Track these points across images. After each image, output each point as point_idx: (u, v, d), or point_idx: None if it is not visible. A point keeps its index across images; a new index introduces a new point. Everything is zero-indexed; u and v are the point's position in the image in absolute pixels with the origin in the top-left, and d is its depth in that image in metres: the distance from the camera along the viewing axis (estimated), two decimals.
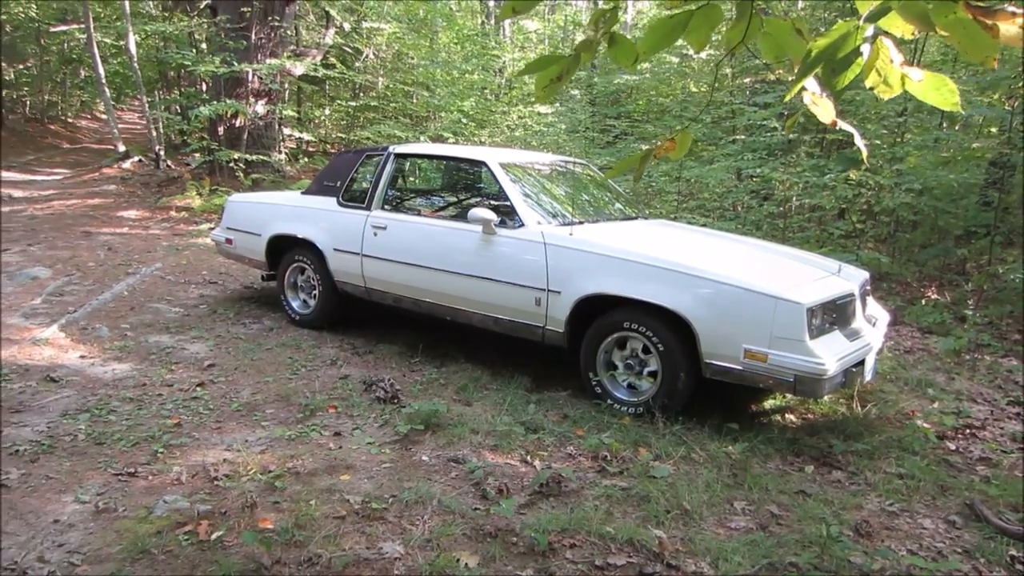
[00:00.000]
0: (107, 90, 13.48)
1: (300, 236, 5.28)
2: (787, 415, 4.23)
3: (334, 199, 5.20)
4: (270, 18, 10.72)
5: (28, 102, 21.42)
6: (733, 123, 9.89)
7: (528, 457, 3.48)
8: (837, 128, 1.22)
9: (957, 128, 8.76)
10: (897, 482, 3.47)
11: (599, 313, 4.05)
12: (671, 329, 3.80)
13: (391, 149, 5.06)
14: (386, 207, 4.98)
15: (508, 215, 4.38)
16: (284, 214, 5.49)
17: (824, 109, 1.14)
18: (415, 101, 12.72)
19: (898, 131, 7.82)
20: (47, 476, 3.19)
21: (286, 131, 12.26)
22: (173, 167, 12.53)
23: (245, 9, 10.35)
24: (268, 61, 10.42)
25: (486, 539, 2.77)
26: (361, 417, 3.91)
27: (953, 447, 3.98)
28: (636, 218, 5.00)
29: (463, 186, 5.32)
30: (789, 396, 4.36)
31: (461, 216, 4.73)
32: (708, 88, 13.34)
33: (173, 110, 13.41)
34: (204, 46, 13.42)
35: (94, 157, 15.88)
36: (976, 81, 7.22)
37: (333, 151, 14.12)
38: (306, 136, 13.03)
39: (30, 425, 3.70)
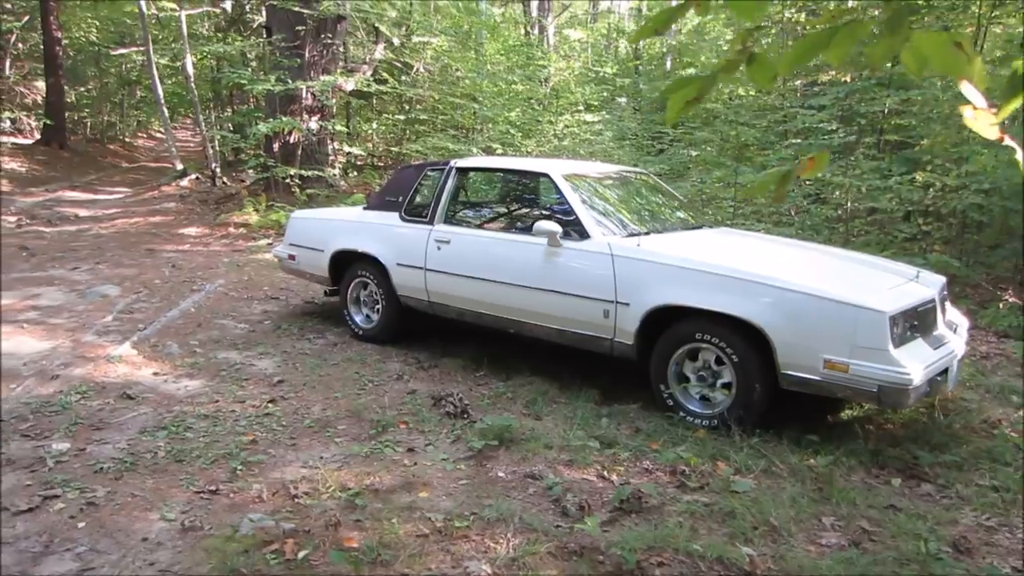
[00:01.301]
0: (165, 110, 13.85)
1: (363, 251, 5.32)
2: (866, 425, 4.11)
3: (396, 214, 5.24)
4: (323, 36, 10.91)
5: (88, 123, 22.15)
6: (786, 127, 9.72)
7: (605, 472, 3.44)
8: (1002, 142, 1.16)
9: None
10: (992, 495, 3.34)
11: (669, 324, 3.99)
12: (746, 340, 3.72)
13: (452, 163, 5.08)
14: (449, 221, 5.00)
15: (573, 227, 4.35)
16: (347, 229, 5.55)
17: (986, 123, 1.08)
18: (462, 113, 12.79)
19: (961, 131, 7.59)
20: (132, 493, 3.25)
21: (336, 146, 12.43)
22: (228, 184, 12.81)
23: (300, 28, 10.54)
24: (322, 78, 10.61)
25: (571, 557, 2.74)
26: (432, 433, 3.91)
27: None
28: (701, 227, 4.93)
29: (525, 199, 5.31)
30: (867, 406, 4.24)
31: (524, 229, 4.71)
32: (758, 92, 13.16)
33: (228, 128, 13.70)
34: (254, 64, 13.74)
35: (152, 175, 16.34)
36: None
37: (381, 165, 14.29)
38: (355, 150, 13.20)
39: (111, 442, 3.77)
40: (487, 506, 3.08)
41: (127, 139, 23.66)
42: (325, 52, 11.12)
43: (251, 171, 13.66)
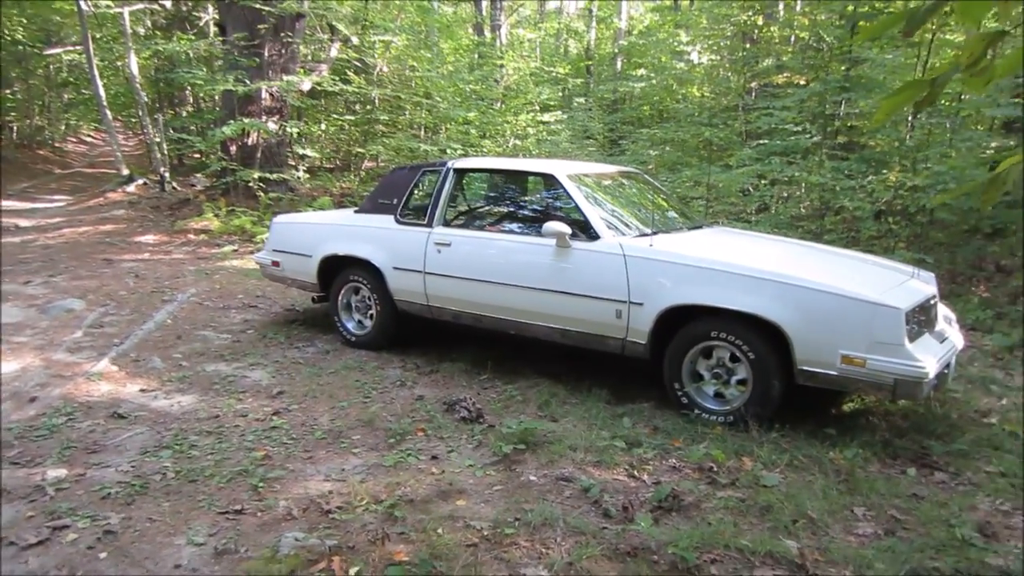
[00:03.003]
0: (108, 112, 13.32)
1: (357, 256, 5.22)
2: (869, 417, 4.23)
3: (391, 217, 5.16)
4: (282, 34, 10.64)
5: (16, 128, 21.11)
6: (749, 127, 9.94)
7: (635, 472, 3.45)
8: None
9: (980, 129, 8.87)
10: (1000, 481, 3.48)
11: (681, 323, 4.03)
12: (761, 337, 3.79)
13: (450, 164, 5.03)
14: (448, 223, 4.94)
15: (581, 228, 4.35)
16: (337, 234, 5.43)
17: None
18: (423, 113, 12.67)
19: (929, 133, 7.89)
20: (149, 519, 3.10)
21: (293, 149, 12.15)
22: (179, 189, 12.39)
23: (262, 26, 10.26)
24: (286, 78, 10.35)
25: (626, 559, 2.74)
26: (452, 439, 3.86)
27: None
28: (700, 226, 5.00)
29: (528, 200, 5.29)
30: (867, 399, 4.37)
31: (529, 230, 4.70)
32: (711, 94, 13.44)
33: (180, 130, 13.25)
34: (201, 65, 13.32)
35: (91, 182, 15.69)
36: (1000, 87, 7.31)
37: (331, 168, 14.00)
38: (310, 152, 12.94)
39: (112, 466, 3.59)
40: (529, 511, 3.06)
41: (57, 144, 22.64)
42: (284, 51, 10.85)
43: (201, 175, 13.30)
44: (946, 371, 3.79)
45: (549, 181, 4.81)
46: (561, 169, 4.66)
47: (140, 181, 12.93)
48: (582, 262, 4.27)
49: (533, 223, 4.80)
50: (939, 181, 6.76)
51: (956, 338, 4.15)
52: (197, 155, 15.11)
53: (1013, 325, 6.05)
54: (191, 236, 9.80)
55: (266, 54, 10.50)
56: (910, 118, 8.49)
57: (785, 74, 11.06)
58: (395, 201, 5.19)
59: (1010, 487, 3.42)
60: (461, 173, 5.06)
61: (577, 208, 4.41)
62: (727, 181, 8.32)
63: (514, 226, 4.90)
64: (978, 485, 3.44)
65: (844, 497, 3.24)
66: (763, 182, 8.79)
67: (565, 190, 4.50)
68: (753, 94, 11.63)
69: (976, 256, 7.40)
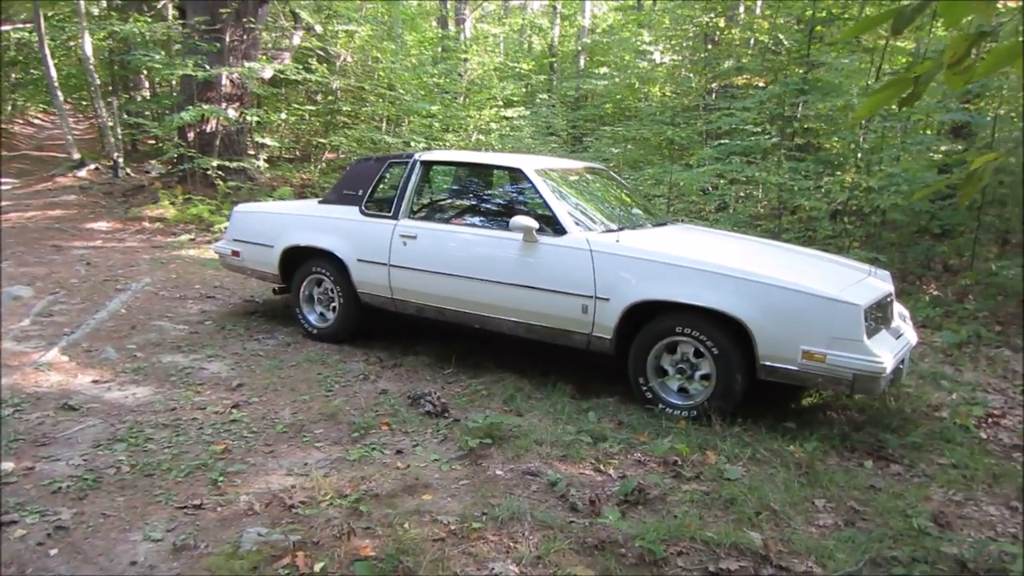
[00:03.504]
0: (60, 94, 12.88)
1: (320, 247, 5.14)
2: (827, 411, 4.32)
3: (356, 208, 5.08)
4: (244, 19, 10.40)
5: None
6: (709, 127, 10.03)
7: (601, 466, 3.47)
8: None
9: (929, 133, 9.10)
10: (952, 472, 3.59)
11: (648, 319, 4.06)
12: (725, 333, 3.83)
13: (416, 156, 4.98)
14: (414, 216, 4.89)
15: (548, 222, 4.35)
16: (300, 224, 5.34)
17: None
18: (386, 105, 12.52)
19: (882, 136, 8.07)
20: (103, 514, 3.01)
21: (254, 137, 11.90)
22: (133, 175, 12.06)
23: (224, 11, 10.01)
24: (249, 64, 10.11)
25: (593, 552, 2.75)
26: (417, 433, 3.83)
27: (984, 436, 4.13)
28: (665, 223, 5.03)
29: (495, 193, 5.25)
30: (825, 393, 4.46)
31: (496, 224, 4.67)
32: (673, 94, 13.55)
33: (136, 115, 12.87)
34: (163, 50, 12.97)
35: (39, 165, 15.14)
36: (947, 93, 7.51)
37: (291, 158, 13.77)
38: (269, 141, 12.69)
39: (62, 459, 3.48)
40: (496, 506, 3.05)
41: (4, 125, 21.82)
42: (246, 37, 10.60)
43: (155, 162, 12.95)
44: (901, 366, 3.89)
45: (516, 175, 4.79)
46: (529, 163, 4.65)
47: (92, 166, 12.52)
48: (549, 257, 4.27)
49: (500, 217, 4.78)
50: (892, 183, 6.92)
51: (910, 335, 4.25)
52: (152, 141, 14.73)
53: (961, 323, 6.23)
54: (146, 224, 9.54)
55: (227, 39, 10.26)
56: (863, 122, 8.70)
57: (745, 76, 11.21)
58: (360, 192, 5.12)
59: (962, 478, 3.53)
60: (428, 165, 5.02)
61: (544, 203, 4.40)
62: (688, 180, 8.40)
63: (481, 220, 4.87)
64: (931, 477, 3.54)
65: (805, 489, 3.30)
66: (723, 181, 8.90)
67: (533, 184, 4.48)
68: (714, 95, 11.75)
69: (925, 256, 7.61)
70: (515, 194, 4.97)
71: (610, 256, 4.08)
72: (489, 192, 5.27)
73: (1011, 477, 3.54)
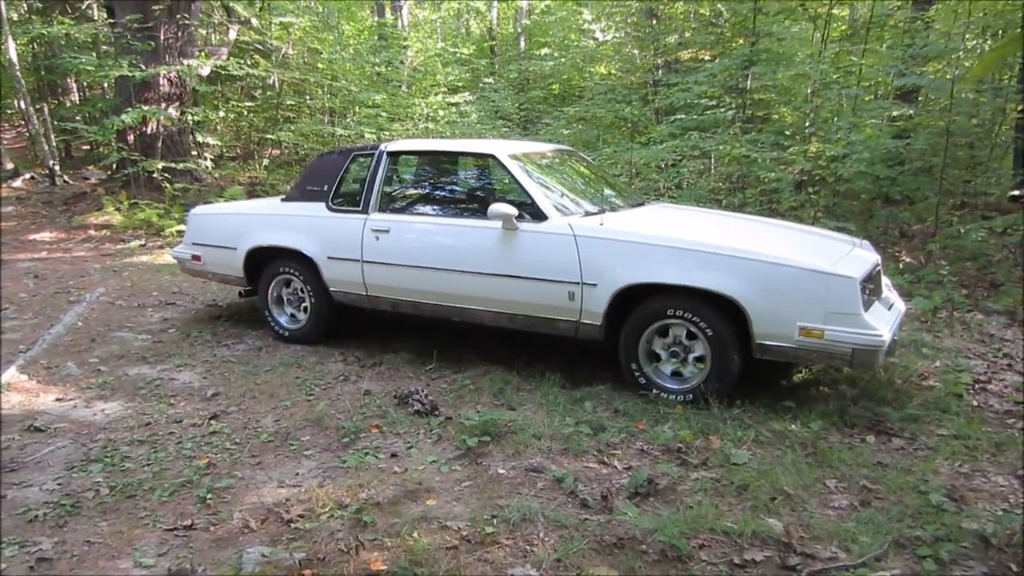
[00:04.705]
0: None
1: (287, 246, 4.92)
2: (820, 387, 4.29)
3: (322, 204, 4.87)
4: (177, 16, 9.96)
5: None
6: (660, 104, 10.00)
7: (605, 458, 3.37)
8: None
9: (875, 98, 9.23)
10: (954, 443, 3.56)
11: (637, 302, 3.97)
12: (719, 313, 3.76)
13: (383, 147, 4.78)
14: (385, 209, 4.70)
15: (526, 209, 4.21)
16: (263, 224, 5.11)
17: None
18: (329, 97, 12.18)
19: (840, 103, 8.13)
20: (87, 541, 2.81)
21: (197, 137, 11.46)
22: (71, 182, 11.53)
23: (157, 7, 9.56)
24: (186, 62, 9.69)
25: (613, 550, 2.65)
26: (409, 435, 3.68)
27: (975, 403, 4.15)
28: (643, 203, 4.94)
29: (468, 182, 5.07)
30: (815, 369, 4.43)
31: (471, 213, 4.52)
32: (618, 72, 13.50)
33: (67, 120, 12.29)
34: (93, 50, 12.41)
35: None
36: (910, 55, 7.59)
37: (233, 156, 13.33)
38: (211, 140, 12.26)
39: (35, 484, 3.26)
40: (505, 507, 2.92)
41: None
42: (181, 33, 10.16)
43: (93, 168, 12.41)
44: (895, 338, 3.87)
45: (489, 161, 4.63)
46: (501, 148, 4.50)
47: (27, 175, 11.94)
48: (530, 244, 4.14)
49: (475, 205, 4.63)
50: (853, 151, 6.96)
51: (899, 304, 4.25)
52: (87, 147, 14.13)
53: (929, 288, 6.30)
54: (91, 232, 9.11)
55: (162, 37, 9.81)
56: (809, 91, 8.77)
57: (690, 50, 11.21)
58: (325, 187, 4.90)
59: (964, 449, 3.50)
60: (395, 156, 4.82)
61: (521, 188, 4.26)
62: (647, 157, 8.34)
63: (455, 209, 4.71)
64: (935, 449, 3.51)
65: (815, 470, 3.24)
66: (680, 158, 8.88)
67: (507, 170, 4.34)
68: (659, 71, 11.72)
69: (886, 223, 7.70)
70: (489, 181, 4.82)
71: (596, 240, 3.96)
72: (461, 180, 5.10)
73: (1013, 445, 3.52)
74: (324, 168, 5.03)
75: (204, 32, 12.41)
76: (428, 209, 4.78)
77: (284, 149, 12.97)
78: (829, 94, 7.98)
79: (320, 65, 12.29)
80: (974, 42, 9.37)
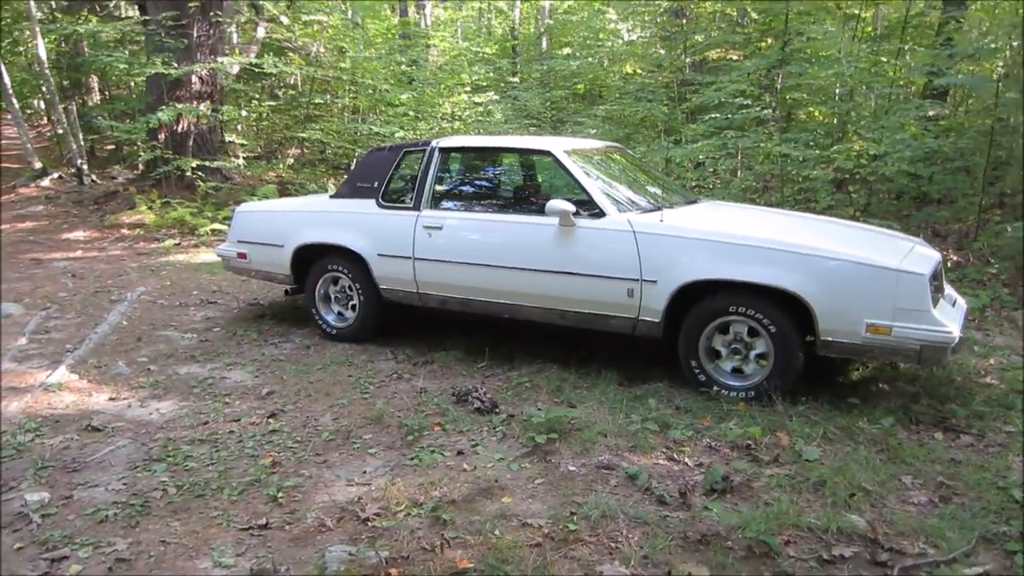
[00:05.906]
0: (15, 101, 12.30)
1: (336, 243, 4.91)
2: (879, 384, 4.25)
3: (372, 201, 4.86)
4: (211, 14, 9.99)
5: None
6: (690, 103, 9.95)
7: (674, 455, 3.34)
8: None
9: (905, 99, 9.13)
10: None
11: (697, 299, 3.94)
12: (782, 310, 3.73)
13: (434, 144, 4.77)
14: (437, 206, 4.69)
15: (584, 205, 4.19)
16: (312, 221, 5.10)
17: None
18: (358, 95, 12.18)
19: (889, 101, 8.04)
20: (163, 541, 2.79)
21: (228, 136, 11.50)
22: (99, 182, 11.58)
23: (192, 4, 9.58)
24: (220, 60, 9.72)
25: (699, 547, 2.63)
26: (473, 432, 3.66)
27: None
28: (696, 201, 4.91)
29: (522, 178, 5.06)
30: (871, 366, 4.39)
31: (526, 210, 4.50)
32: (645, 71, 13.44)
33: (93, 119, 12.36)
34: (122, 49, 12.46)
35: None
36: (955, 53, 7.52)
37: (256, 155, 13.35)
38: (237, 140, 12.28)
39: (100, 484, 3.25)
40: (582, 504, 2.90)
41: None
42: (213, 31, 10.19)
43: (119, 167, 12.48)
44: (962, 335, 3.82)
45: (546, 158, 4.61)
46: (557, 145, 4.48)
47: (55, 175, 12.00)
48: (588, 241, 4.11)
49: (529, 202, 4.61)
50: (895, 149, 6.89)
51: (961, 301, 4.20)
52: (111, 146, 14.19)
53: (973, 287, 6.24)
54: (124, 231, 9.15)
55: (195, 35, 9.85)
56: (840, 90, 8.69)
57: (718, 50, 11.14)
58: (376, 184, 4.89)
59: None
60: (447, 152, 4.81)
61: (579, 185, 4.24)
62: (682, 156, 8.31)
63: (510, 206, 4.69)
64: (1004, 446, 3.47)
65: (888, 467, 3.21)
66: (717, 157, 8.83)
67: (564, 167, 4.31)
68: (687, 70, 11.67)
69: (925, 222, 7.62)
70: (543, 178, 4.79)
71: (657, 237, 3.94)
72: (515, 177, 5.08)
73: None
74: (374, 165, 5.01)
75: (230, 31, 12.43)
76: (481, 206, 4.76)
77: (306, 148, 12.97)
78: (869, 93, 7.90)
79: (344, 64, 12.32)
80: (1016, 42, 9.26)
